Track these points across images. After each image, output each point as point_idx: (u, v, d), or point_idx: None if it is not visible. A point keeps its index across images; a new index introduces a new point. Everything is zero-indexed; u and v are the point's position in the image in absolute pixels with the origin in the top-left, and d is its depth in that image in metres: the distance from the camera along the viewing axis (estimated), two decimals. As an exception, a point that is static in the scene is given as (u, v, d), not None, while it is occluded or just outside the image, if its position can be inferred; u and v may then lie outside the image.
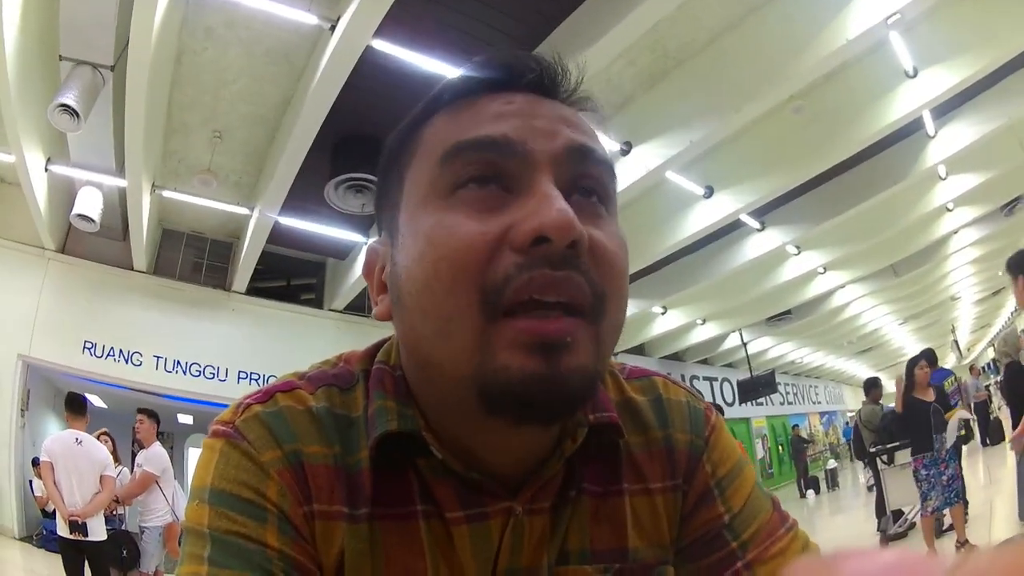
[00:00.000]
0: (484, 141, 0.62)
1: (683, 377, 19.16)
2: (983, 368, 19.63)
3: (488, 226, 0.59)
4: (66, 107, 5.29)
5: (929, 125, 8.95)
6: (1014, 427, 5.95)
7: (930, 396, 6.76)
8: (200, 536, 0.61)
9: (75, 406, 5.88)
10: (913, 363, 6.95)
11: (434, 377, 0.65)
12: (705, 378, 20.50)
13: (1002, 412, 10.56)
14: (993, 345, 26.72)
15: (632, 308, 13.65)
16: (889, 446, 7.98)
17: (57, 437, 5.75)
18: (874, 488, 9.19)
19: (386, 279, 0.70)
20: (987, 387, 11.78)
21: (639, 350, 17.82)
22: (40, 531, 7.61)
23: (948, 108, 8.70)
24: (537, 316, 0.57)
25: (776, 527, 0.79)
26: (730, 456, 0.84)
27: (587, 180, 0.65)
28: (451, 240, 0.59)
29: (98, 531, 5.59)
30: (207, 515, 0.62)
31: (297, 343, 11.00)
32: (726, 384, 20.96)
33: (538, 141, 0.63)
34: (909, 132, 9.12)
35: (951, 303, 24.11)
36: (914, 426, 6.69)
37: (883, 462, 8.10)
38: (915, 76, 7.29)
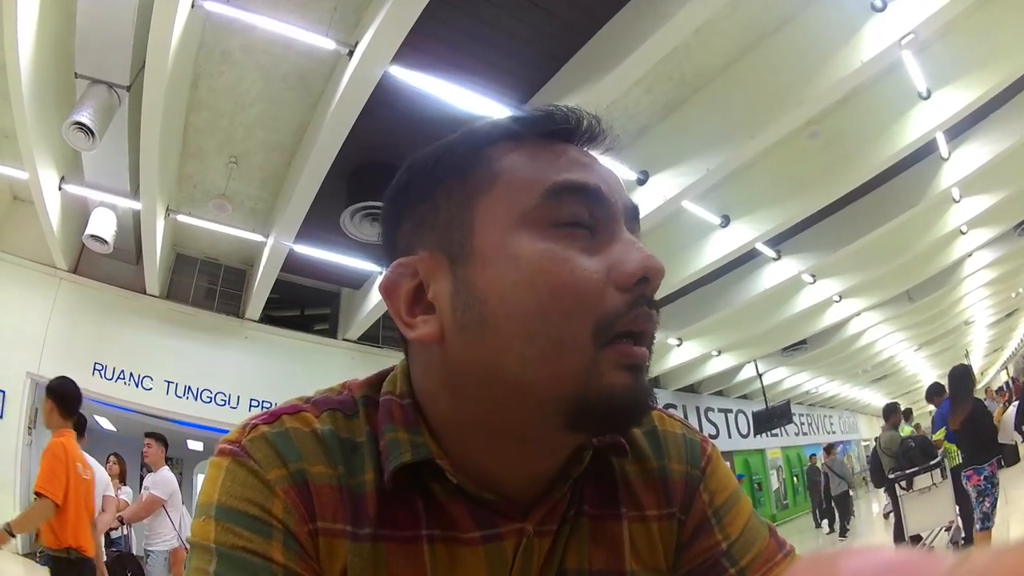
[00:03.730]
0: (585, 187, 0.68)
1: (698, 409, 19.19)
2: (997, 391, 19.50)
3: (597, 265, 0.65)
4: (81, 125, 5.30)
5: (943, 147, 8.95)
6: None
7: None
8: (206, 551, 0.62)
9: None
10: (966, 368, 6.90)
11: (507, 398, 0.66)
12: (720, 410, 20.42)
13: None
14: (1007, 368, 26.56)
15: (647, 340, 13.67)
16: (909, 471, 7.91)
17: None
18: (890, 515, 9.09)
19: (434, 299, 0.70)
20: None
21: (654, 383, 17.23)
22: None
23: (961, 129, 8.73)
24: (632, 343, 0.65)
25: (774, 552, 0.81)
26: (727, 486, 0.87)
27: (636, 233, 0.72)
28: (573, 272, 0.64)
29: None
30: (213, 530, 0.63)
31: (310, 372, 10.93)
32: (741, 416, 20.89)
33: (616, 196, 0.71)
34: (923, 155, 9.12)
35: (965, 327, 24.06)
36: (988, 428, 6.61)
37: (902, 488, 8.02)
38: (929, 97, 7.30)
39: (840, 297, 14.41)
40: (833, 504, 14.89)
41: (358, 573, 0.66)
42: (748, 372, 19.09)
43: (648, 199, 7.94)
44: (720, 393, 20.79)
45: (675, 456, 0.85)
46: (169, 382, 9.77)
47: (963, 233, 12.92)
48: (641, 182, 7.97)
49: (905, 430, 10.36)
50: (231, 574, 0.60)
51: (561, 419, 0.65)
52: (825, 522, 16.22)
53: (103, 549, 5.64)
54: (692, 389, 19.56)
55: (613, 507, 0.79)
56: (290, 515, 0.64)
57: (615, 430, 0.73)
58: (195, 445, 10.47)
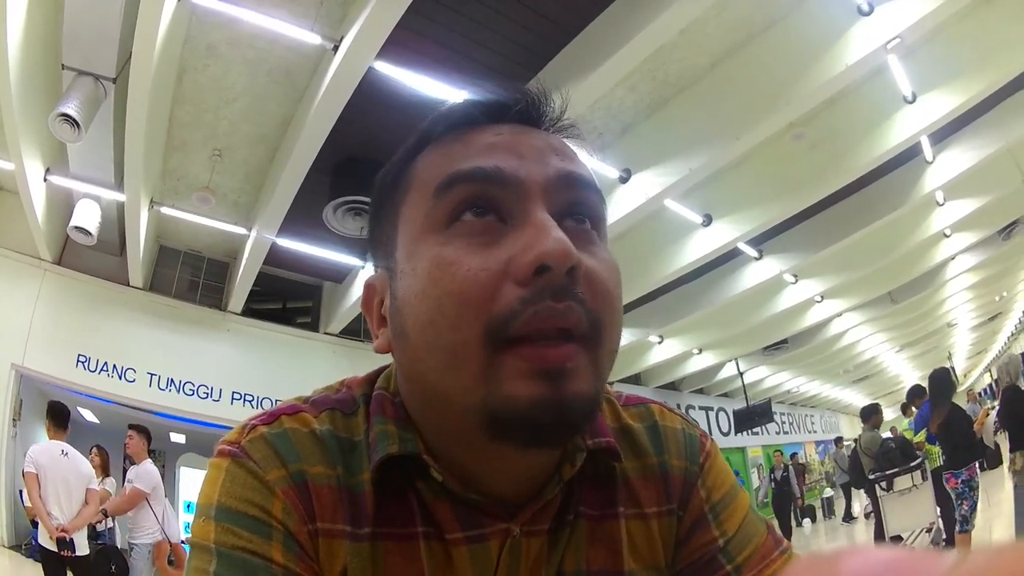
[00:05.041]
0: (477, 173, 0.64)
1: (679, 407, 18.92)
2: (979, 394, 19.59)
3: (488, 260, 0.61)
4: (67, 117, 5.27)
5: (927, 151, 9.01)
6: (1011, 450, 5.95)
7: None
8: (206, 551, 0.62)
9: (59, 417, 5.73)
10: (946, 372, 6.96)
11: (439, 407, 0.66)
12: (701, 408, 20.46)
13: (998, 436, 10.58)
14: (990, 371, 26.71)
15: (629, 337, 13.63)
16: (889, 472, 7.95)
17: (43, 448, 5.57)
18: (871, 515, 9.10)
19: (385, 313, 0.71)
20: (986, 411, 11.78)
21: (635, 379, 17.77)
22: (29, 541, 7.55)
23: (946, 133, 8.78)
24: (540, 344, 0.59)
25: (770, 550, 0.80)
26: (724, 482, 0.85)
27: (579, 206, 0.67)
28: (454, 276, 0.60)
29: (82, 545, 5.48)
30: (213, 531, 0.62)
31: (292, 366, 10.95)
32: (722, 414, 20.95)
33: (529, 170, 0.65)
34: (907, 158, 9.19)
35: (948, 330, 24.21)
36: (963, 433, 6.66)
37: (882, 488, 8.06)
38: (914, 101, 7.35)
39: (822, 297, 14.48)
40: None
41: (358, 572, 0.66)
42: (729, 370, 19.17)
43: (630, 197, 7.98)
44: (701, 391, 20.88)
45: (675, 452, 0.84)
46: (152, 374, 9.72)
47: (947, 236, 13.01)
48: (624, 180, 8.01)
49: (903, 424, 10.44)
50: (231, 574, 0.60)
51: (483, 430, 0.61)
52: (807, 520, 16.36)
53: (86, 541, 5.63)
54: (673, 386, 19.63)
55: (611, 506, 0.78)
56: (290, 516, 0.64)
57: (536, 446, 0.63)
58: (177, 438, 10.40)
